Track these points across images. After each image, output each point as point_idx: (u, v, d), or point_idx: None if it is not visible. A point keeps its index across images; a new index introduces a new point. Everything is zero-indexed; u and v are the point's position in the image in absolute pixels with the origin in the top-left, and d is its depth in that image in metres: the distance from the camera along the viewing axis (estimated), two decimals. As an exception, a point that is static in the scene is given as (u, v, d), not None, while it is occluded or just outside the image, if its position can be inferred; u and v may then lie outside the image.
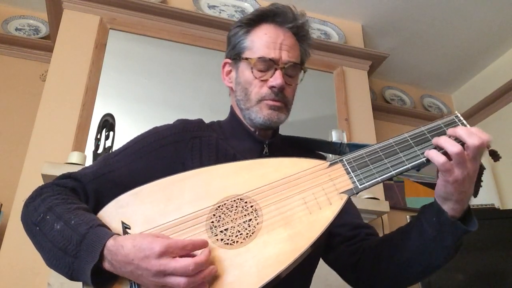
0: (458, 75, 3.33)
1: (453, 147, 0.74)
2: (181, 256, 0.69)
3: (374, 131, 2.60)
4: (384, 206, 2.17)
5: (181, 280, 0.67)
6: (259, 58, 0.94)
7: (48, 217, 0.77)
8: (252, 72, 0.95)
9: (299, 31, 1.00)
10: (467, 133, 0.75)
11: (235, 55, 1.00)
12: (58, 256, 0.74)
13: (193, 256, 0.70)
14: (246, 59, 0.96)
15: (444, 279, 2.27)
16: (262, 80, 0.95)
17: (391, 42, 3.01)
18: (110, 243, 0.71)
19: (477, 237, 2.32)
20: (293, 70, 0.98)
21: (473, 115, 3.17)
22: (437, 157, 0.75)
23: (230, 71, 1.03)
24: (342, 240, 1.00)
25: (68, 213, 0.77)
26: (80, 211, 0.78)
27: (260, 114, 0.95)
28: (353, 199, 2.15)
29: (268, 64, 0.95)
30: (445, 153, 0.75)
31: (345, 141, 2.26)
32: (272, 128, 1.00)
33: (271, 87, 0.94)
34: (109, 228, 0.77)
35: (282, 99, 0.96)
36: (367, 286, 0.98)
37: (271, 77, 0.94)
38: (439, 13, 2.75)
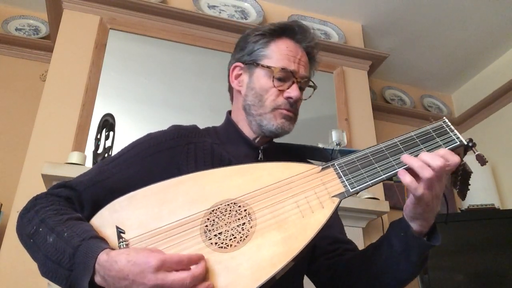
0: (458, 75, 3.33)
1: (424, 172, 0.76)
2: (176, 270, 0.69)
3: (374, 131, 2.60)
4: (384, 206, 2.18)
5: None
6: (282, 68, 0.98)
7: (41, 229, 0.78)
8: (273, 81, 0.98)
9: (311, 52, 1.05)
10: (430, 157, 0.77)
11: (251, 60, 1.02)
12: (53, 269, 0.75)
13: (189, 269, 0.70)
14: (268, 67, 0.99)
15: (444, 279, 2.27)
16: (279, 90, 0.98)
17: (391, 42, 3.01)
18: (103, 257, 0.70)
19: (477, 237, 2.32)
20: (306, 85, 1.04)
21: (473, 115, 3.17)
22: (412, 183, 0.77)
23: (240, 74, 1.05)
24: (321, 252, 1.03)
25: (60, 225, 0.77)
26: (72, 221, 0.78)
27: (273, 121, 0.98)
28: (353, 200, 2.17)
29: (288, 76, 0.98)
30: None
31: (344, 141, 2.26)
32: (279, 136, 1.02)
33: (288, 98, 0.98)
34: (103, 239, 0.77)
35: (295, 111, 1.00)
36: None
37: (287, 88, 0.98)
38: (439, 13, 2.75)
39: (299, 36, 1.02)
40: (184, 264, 0.69)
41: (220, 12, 2.60)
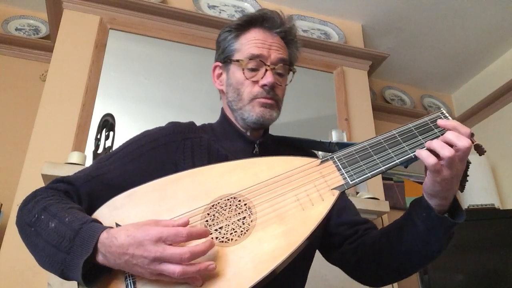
0: (458, 75, 3.33)
1: (445, 151, 0.76)
2: (176, 242, 0.70)
3: (374, 131, 2.60)
4: (384, 206, 2.17)
5: (176, 268, 0.67)
6: (249, 57, 0.98)
7: (43, 216, 0.78)
8: (244, 73, 0.98)
9: (287, 35, 1.04)
10: (456, 137, 0.78)
11: (225, 58, 1.03)
12: (51, 253, 0.75)
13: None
14: (237, 61, 0.99)
15: (444, 279, 2.27)
16: (253, 81, 0.98)
17: (391, 42, 3.01)
18: (103, 235, 0.72)
19: (477, 237, 2.32)
20: (283, 70, 1.02)
21: (473, 115, 3.17)
22: (428, 158, 0.77)
23: (221, 74, 1.06)
24: (343, 239, 1.03)
25: (62, 212, 0.78)
26: (74, 210, 0.79)
27: (252, 112, 0.98)
28: (353, 200, 2.16)
29: (258, 64, 0.98)
30: (436, 154, 0.78)
31: (345, 141, 2.26)
32: (264, 126, 1.02)
33: (263, 86, 0.97)
34: (102, 224, 0.77)
35: (274, 97, 0.99)
36: (373, 280, 1.01)
37: (262, 77, 0.97)
38: (439, 13, 2.75)
39: (267, 24, 1.02)
40: (183, 236, 0.70)
41: (220, 12, 2.60)
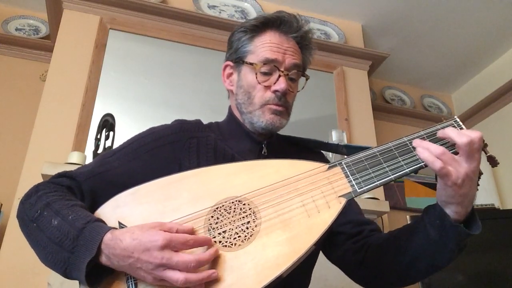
0: (458, 75, 3.33)
1: (436, 149, 0.76)
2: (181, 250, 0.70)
3: (374, 131, 2.60)
4: (384, 206, 2.17)
5: (180, 276, 0.67)
6: (264, 61, 0.95)
7: (45, 213, 0.77)
8: (257, 76, 0.96)
9: (302, 40, 1.02)
10: (456, 133, 0.77)
11: (237, 58, 1.01)
12: (54, 251, 0.74)
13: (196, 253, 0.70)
14: (251, 64, 0.97)
15: (444, 279, 2.27)
16: (265, 86, 0.96)
17: (391, 42, 3.01)
18: (108, 237, 0.71)
19: (477, 237, 2.31)
20: (296, 76, 1.00)
21: (473, 115, 3.17)
22: (434, 163, 0.76)
23: (231, 73, 1.04)
24: (346, 238, 1.01)
25: (65, 209, 0.77)
26: (77, 207, 0.79)
27: (262, 118, 0.96)
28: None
29: (272, 68, 0.96)
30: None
31: (345, 141, 2.26)
32: (272, 133, 1.01)
33: (275, 91, 0.95)
34: (106, 224, 0.77)
35: (285, 104, 0.97)
36: (373, 283, 0.99)
37: (274, 82, 0.96)
38: (439, 13, 2.75)
39: (284, 28, 1.00)
40: (189, 244, 0.70)
41: (220, 12, 2.60)
